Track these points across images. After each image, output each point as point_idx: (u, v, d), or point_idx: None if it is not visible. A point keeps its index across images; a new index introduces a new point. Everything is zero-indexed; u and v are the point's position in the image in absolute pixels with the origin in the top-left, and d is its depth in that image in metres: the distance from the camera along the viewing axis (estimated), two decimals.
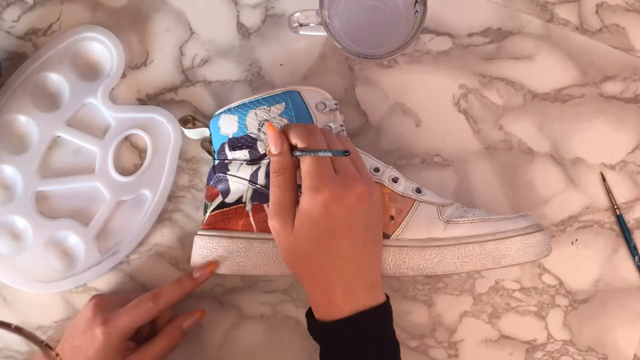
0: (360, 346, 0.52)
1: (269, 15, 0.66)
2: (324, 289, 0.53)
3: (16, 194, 0.64)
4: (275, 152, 0.53)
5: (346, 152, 0.52)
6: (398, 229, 0.57)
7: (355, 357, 0.52)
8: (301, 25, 0.60)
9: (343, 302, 0.52)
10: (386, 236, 0.56)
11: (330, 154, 0.52)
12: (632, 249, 0.63)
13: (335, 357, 0.53)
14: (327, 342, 0.53)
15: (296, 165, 0.54)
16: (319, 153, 0.51)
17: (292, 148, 0.53)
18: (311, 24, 0.60)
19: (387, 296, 0.54)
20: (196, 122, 0.62)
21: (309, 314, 0.55)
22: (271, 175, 0.53)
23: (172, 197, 0.64)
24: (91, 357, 0.55)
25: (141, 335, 0.59)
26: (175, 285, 0.58)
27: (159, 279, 0.63)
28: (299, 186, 0.53)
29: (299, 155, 0.52)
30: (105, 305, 0.57)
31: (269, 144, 0.53)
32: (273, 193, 0.53)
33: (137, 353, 0.57)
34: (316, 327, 0.54)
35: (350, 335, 0.52)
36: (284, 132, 0.53)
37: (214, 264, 0.57)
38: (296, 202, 0.53)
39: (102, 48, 0.65)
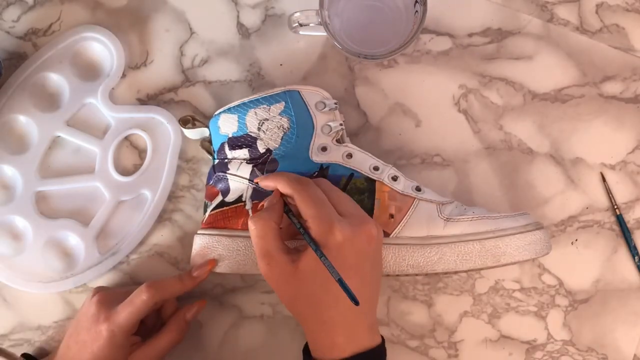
0: None
1: (269, 15, 0.66)
2: (326, 331, 0.52)
3: (16, 194, 0.64)
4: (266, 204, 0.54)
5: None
6: (398, 227, 0.57)
7: None
8: (301, 25, 0.60)
9: (345, 343, 0.51)
10: (386, 234, 0.56)
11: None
12: (632, 249, 0.63)
13: None
14: None
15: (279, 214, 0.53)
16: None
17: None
18: (311, 24, 0.60)
19: (382, 338, 0.54)
20: (196, 122, 0.62)
21: (306, 350, 0.54)
22: (250, 229, 0.52)
23: (172, 197, 0.64)
24: (96, 352, 0.55)
25: (146, 327, 0.59)
26: (176, 281, 0.57)
27: (158, 279, 0.63)
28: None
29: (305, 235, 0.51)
30: (109, 300, 0.57)
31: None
32: (257, 245, 0.52)
33: (142, 348, 0.57)
34: None
35: None
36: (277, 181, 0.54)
37: (213, 261, 0.57)
38: (284, 247, 0.52)
39: (102, 48, 0.66)
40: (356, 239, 0.51)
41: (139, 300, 0.55)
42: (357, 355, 0.51)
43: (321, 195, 0.52)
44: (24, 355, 0.60)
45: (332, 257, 0.50)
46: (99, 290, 0.59)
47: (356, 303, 0.48)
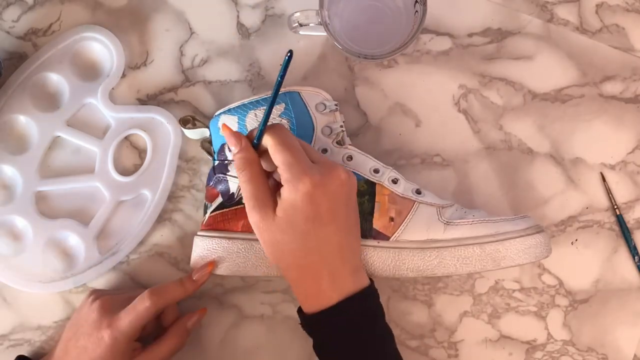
0: (351, 331, 0.52)
1: (269, 15, 0.66)
2: (311, 278, 0.53)
3: (16, 194, 0.64)
4: (236, 151, 0.53)
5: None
6: (398, 231, 0.57)
7: (348, 343, 0.52)
8: (301, 25, 0.60)
9: (331, 290, 0.52)
10: (386, 237, 0.56)
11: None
12: (632, 249, 0.63)
13: (329, 346, 0.53)
14: (319, 333, 0.54)
15: (259, 158, 0.54)
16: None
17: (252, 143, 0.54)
18: (311, 24, 0.60)
19: (370, 280, 0.55)
20: (196, 122, 0.62)
21: (300, 310, 0.55)
22: (238, 173, 0.53)
23: (172, 197, 0.64)
24: (97, 359, 0.55)
25: (146, 332, 0.59)
26: (177, 286, 0.58)
27: (158, 279, 0.64)
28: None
29: (258, 142, 0.53)
30: (111, 306, 0.57)
31: (229, 145, 0.54)
32: (245, 189, 0.52)
33: (143, 355, 0.57)
34: (307, 320, 0.54)
35: (342, 322, 0.52)
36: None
37: (212, 263, 0.57)
38: (269, 192, 0.53)
39: (102, 48, 0.65)
40: (327, 185, 0.51)
41: (142, 307, 0.55)
42: (345, 301, 0.52)
43: (295, 142, 0.53)
44: (20, 357, 0.60)
45: (304, 203, 0.50)
46: (98, 295, 0.59)
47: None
